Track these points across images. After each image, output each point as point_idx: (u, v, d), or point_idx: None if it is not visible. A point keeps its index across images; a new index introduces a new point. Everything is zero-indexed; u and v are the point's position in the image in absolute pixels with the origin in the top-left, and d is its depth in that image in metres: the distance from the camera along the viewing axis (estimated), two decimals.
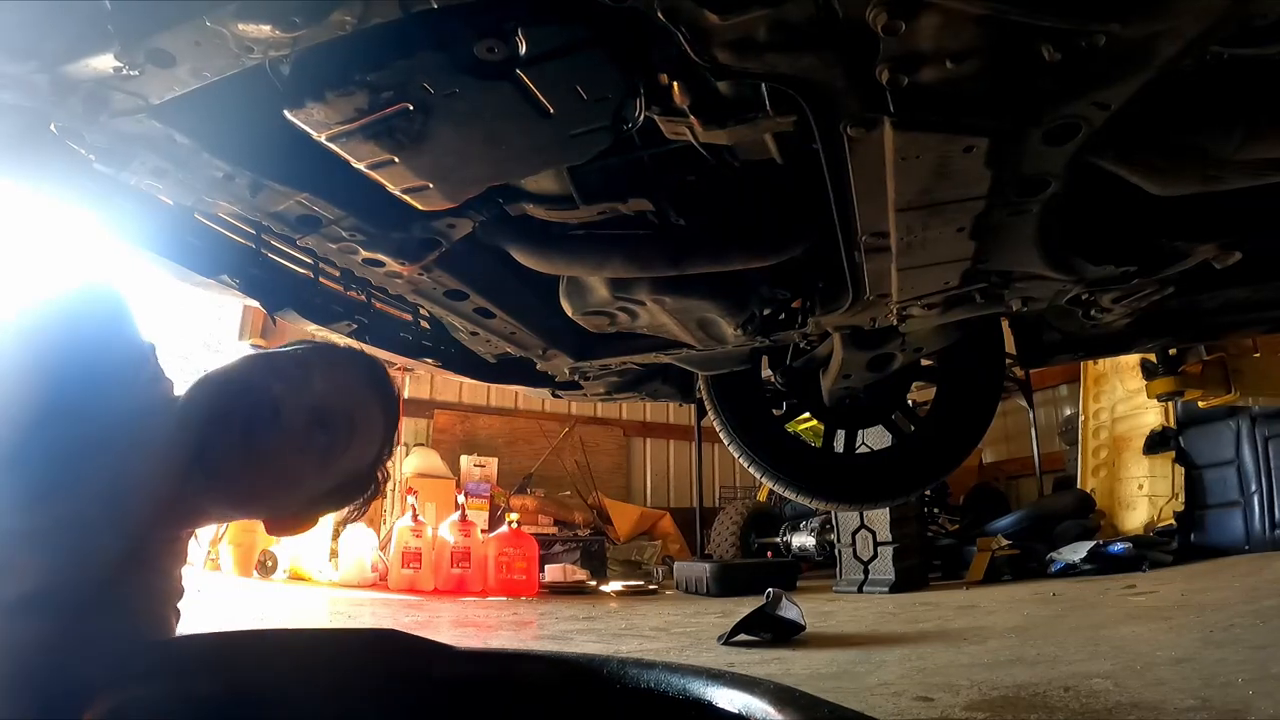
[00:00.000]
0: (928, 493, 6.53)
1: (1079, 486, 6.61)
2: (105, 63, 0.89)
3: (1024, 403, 7.80)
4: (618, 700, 0.87)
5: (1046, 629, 2.88)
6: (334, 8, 0.79)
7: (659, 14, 0.81)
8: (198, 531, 1.21)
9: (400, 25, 0.83)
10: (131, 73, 0.90)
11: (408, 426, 8.01)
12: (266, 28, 0.81)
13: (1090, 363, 6.49)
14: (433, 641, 0.97)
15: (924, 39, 0.83)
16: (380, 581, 5.86)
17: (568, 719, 0.92)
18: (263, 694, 0.80)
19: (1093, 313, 1.68)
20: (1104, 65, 0.88)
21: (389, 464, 1.28)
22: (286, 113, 0.95)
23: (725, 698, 0.76)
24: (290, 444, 1.08)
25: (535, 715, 0.92)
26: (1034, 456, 7.76)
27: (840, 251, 1.38)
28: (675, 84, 1.01)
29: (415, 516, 5.92)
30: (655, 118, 1.08)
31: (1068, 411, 7.69)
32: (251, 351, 1.16)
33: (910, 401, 3.18)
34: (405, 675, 0.90)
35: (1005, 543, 5.61)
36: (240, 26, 0.82)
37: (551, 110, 0.97)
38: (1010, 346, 2.36)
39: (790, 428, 2.83)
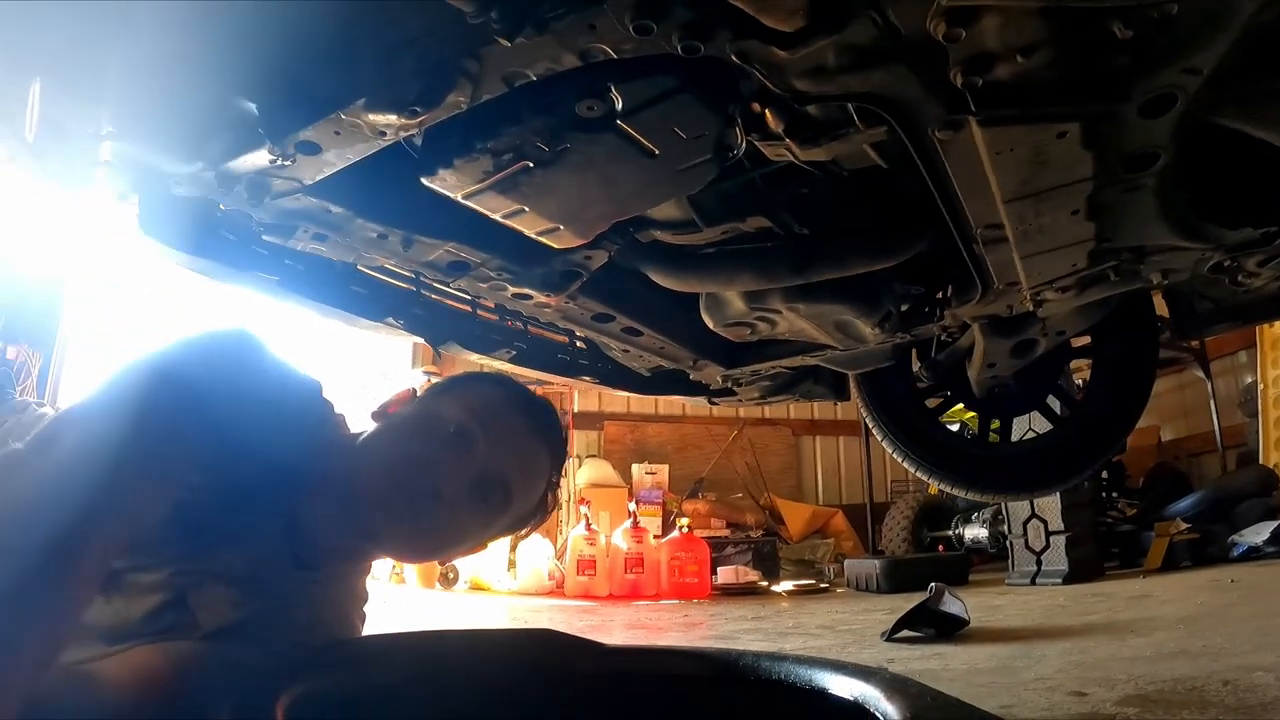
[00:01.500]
0: (1104, 476, 6.13)
1: (1260, 462, 6.02)
2: (260, 158, 1.05)
3: (1200, 374, 7.05)
4: (751, 690, 0.94)
5: (1217, 619, 2.71)
6: (448, 92, 0.91)
7: (733, 57, 0.88)
8: None
9: (509, 96, 0.94)
10: (285, 162, 1.05)
11: (579, 439, 8.12)
12: (393, 116, 0.94)
13: (1266, 325, 5.85)
14: (585, 639, 1.06)
15: (989, 40, 0.85)
16: (557, 589, 6.06)
17: (707, 709, 1.00)
18: (430, 685, 0.92)
19: (1240, 278, 1.58)
20: (1184, 32, 0.86)
21: (558, 490, 1.30)
22: (423, 180, 1.09)
23: (844, 686, 0.82)
24: (455, 516, 1.12)
25: (677, 705, 1.00)
26: (1215, 431, 7.03)
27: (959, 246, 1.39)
28: (766, 112, 1.07)
29: (589, 525, 6.08)
30: (755, 143, 1.14)
31: (1248, 380, 6.87)
32: (416, 412, 1.21)
33: (1080, 382, 3.04)
34: (559, 669, 1.00)
35: (1184, 527, 5.20)
36: (371, 117, 0.95)
37: (656, 151, 1.07)
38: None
39: (952, 415, 2.75)
